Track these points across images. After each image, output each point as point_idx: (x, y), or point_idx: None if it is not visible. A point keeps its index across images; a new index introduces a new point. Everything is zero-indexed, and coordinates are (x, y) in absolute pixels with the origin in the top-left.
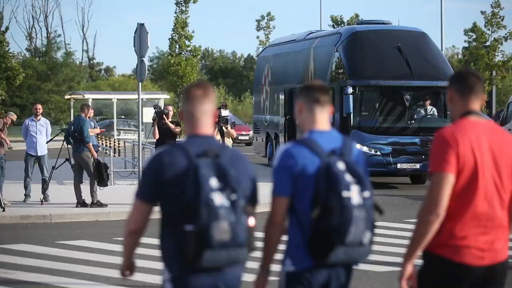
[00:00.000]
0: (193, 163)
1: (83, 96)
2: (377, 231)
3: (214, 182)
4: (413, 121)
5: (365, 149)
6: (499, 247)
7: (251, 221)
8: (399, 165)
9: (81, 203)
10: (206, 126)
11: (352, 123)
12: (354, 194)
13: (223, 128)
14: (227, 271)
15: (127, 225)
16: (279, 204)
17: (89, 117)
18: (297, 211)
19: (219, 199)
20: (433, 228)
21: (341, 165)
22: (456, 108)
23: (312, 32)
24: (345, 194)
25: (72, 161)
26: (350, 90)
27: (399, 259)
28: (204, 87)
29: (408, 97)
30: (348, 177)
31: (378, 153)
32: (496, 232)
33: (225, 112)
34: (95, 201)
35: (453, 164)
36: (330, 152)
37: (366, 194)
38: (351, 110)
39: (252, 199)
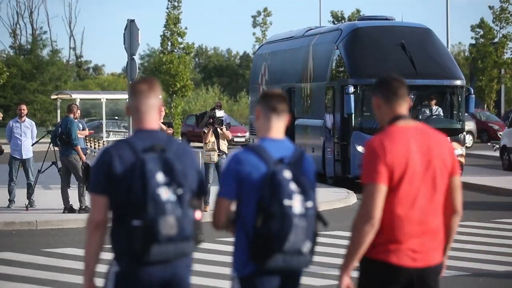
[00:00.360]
0: (140, 158)
1: (71, 96)
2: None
3: (160, 177)
4: (417, 122)
5: None
6: (432, 251)
7: (197, 214)
8: None
9: (68, 208)
10: (152, 121)
11: (353, 124)
12: (296, 203)
13: (218, 129)
14: (175, 263)
15: (90, 221)
16: (221, 205)
17: (77, 118)
18: (242, 216)
19: (165, 194)
20: (368, 238)
21: (287, 174)
22: (384, 114)
23: (311, 29)
24: (286, 202)
25: (59, 165)
26: (351, 89)
27: None
28: (150, 82)
29: (412, 97)
30: (292, 186)
31: None
32: (429, 236)
33: (219, 113)
34: (84, 207)
35: (383, 174)
36: (278, 160)
37: (309, 204)
38: (352, 111)
39: (199, 192)
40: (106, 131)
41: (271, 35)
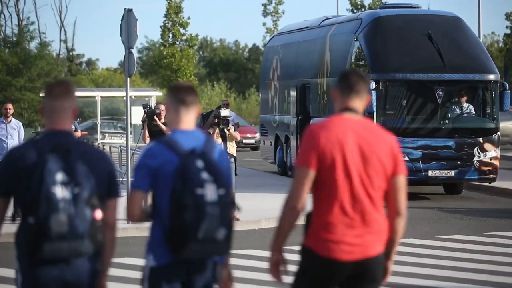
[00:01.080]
0: (42, 158)
1: None
2: (405, 249)
3: (59, 176)
4: (446, 121)
5: None
6: (369, 242)
7: (98, 214)
8: (430, 172)
9: None
10: (64, 122)
11: (375, 124)
12: (208, 192)
13: (225, 130)
14: (74, 263)
15: None
16: (135, 197)
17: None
18: (158, 208)
19: (61, 192)
20: (290, 220)
21: (199, 164)
22: (337, 106)
23: (328, 18)
24: (198, 191)
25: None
26: (372, 85)
27: (432, 283)
28: (64, 84)
29: (440, 93)
30: (204, 175)
31: (406, 158)
32: (366, 227)
33: (225, 112)
34: None
35: (313, 159)
36: (190, 151)
37: (221, 191)
38: (374, 109)
39: (110, 193)
40: (101, 132)
41: (283, 25)
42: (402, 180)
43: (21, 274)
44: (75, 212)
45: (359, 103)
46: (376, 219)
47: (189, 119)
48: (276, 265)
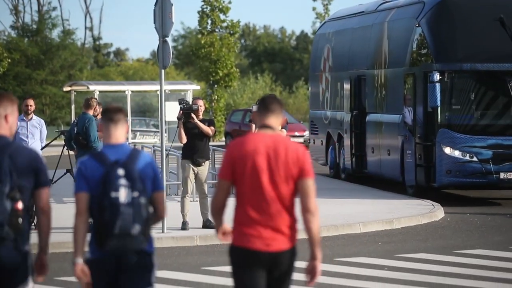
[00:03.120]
0: None
1: (87, 88)
2: (474, 261)
3: None
4: None
5: (456, 153)
6: (277, 238)
7: (19, 205)
8: (502, 175)
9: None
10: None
11: (439, 120)
12: (122, 194)
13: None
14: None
15: None
16: (79, 198)
17: (97, 116)
18: (91, 209)
19: None
20: (214, 216)
21: (120, 172)
22: (257, 124)
23: (386, 1)
24: (113, 194)
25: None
26: (436, 76)
27: None
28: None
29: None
30: (122, 181)
31: (475, 158)
32: (274, 225)
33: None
34: None
35: (228, 171)
36: (113, 162)
37: (135, 194)
38: (438, 103)
39: (38, 184)
40: (132, 130)
41: (336, 9)
42: (308, 182)
43: None
44: None
45: (274, 121)
46: (283, 217)
47: (118, 134)
48: (224, 231)
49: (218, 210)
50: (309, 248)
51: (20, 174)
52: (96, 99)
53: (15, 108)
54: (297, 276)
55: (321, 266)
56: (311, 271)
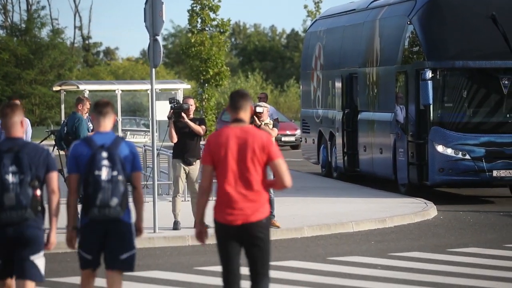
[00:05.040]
0: (1, 156)
1: (77, 87)
2: (467, 259)
3: (11, 168)
4: None
5: (449, 151)
6: (249, 212)
7: (38, 192)
8: (495, 172)
9: (77, 228)
10: (15, 132)
11: (432, 118)
12: (104, 173)
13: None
14: (22, 224)
15: None
16: (71, 179)
17: (86, 114)
18: (83, 185)
19: (11, 178)
20: (200, 200)
21: (104, 154)
22: (230, 118)
23: None
24: (97, 172)
25: (66, 173)
26: (428, 74)
27: None
28: (10, 105)
29: (506, 82)
30: (104, 162)
31: (467, 156)
32: (246, 201)
33: (259, 109)
34: None
35: (208, 158)
36: (100, 146)
37: (115, 173)
38: (431, 101)
39: (48, 169)
40: (122, 130)
41: (327, 7)
42: (278, 162)
43: None
44: (20, 191)
45: (243, 114)
46: (254, 194)
47: (105, 124)
48: (200, 233)
49: (204, 191)
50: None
51: (37, 167)
52: (85, 97)
53: (22, 112)
54: (295, 276)
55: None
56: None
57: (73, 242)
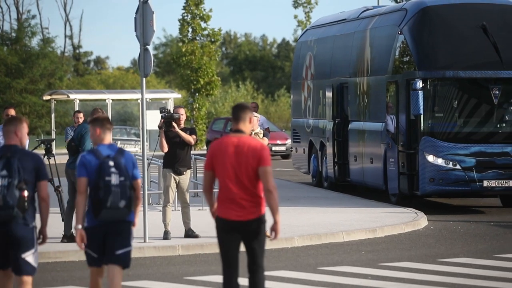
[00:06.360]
0: None
1: (68, 97)
2: (458, 270)
3: (3, 172)
4: (503, 124)
5: (440, 161)
6: (247, 210)
7: (25, 193)
8: (485, 183)
9: (68, 236)
10: (10, 140)
11: (422, 128)
12: (113, 179)
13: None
14: (11, 223)
15: None
16: (80, 181)
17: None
18: (89, 189)
19: (0, 181)
20: (208, 197)
21: (111, 163)
22: (232, 128)
23: (368, 9)
24: (107, 178)
25: (56, 182)
26: (419, 84)
27: None
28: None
29: (496, 92)
30: (112, 169)
31: (458, 166)
32: (242, 201)
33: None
34: None
35: (209, 164)
36: (106, 156)
37: (122, 178)
38: (421, 111)
39: (39, 178)
40: (112, 139)
41: (317, 17)
42: (265, 169)
43: None
44: (7, 193)
45: (243, 125)
46: (248, 195)
47: (107, 137)
48: (213, 214)
49: (206, 191)
50: (273, 216)
51: (25, 171)
52: (102, 110)
53: (24, 126)
54: (285, 286)
55: (280, 227)
56: (274, 230)
57: (84, 240)
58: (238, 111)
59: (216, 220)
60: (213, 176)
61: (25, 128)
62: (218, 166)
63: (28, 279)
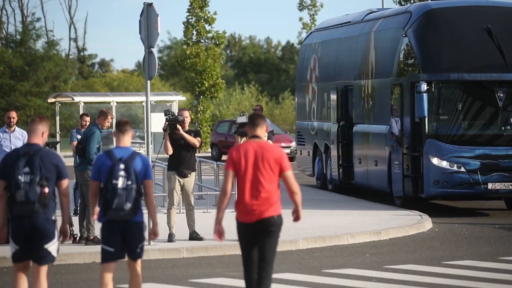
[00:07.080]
0: (18, 158)
1: (72, 99)
2: (462, 272)
3: (25, 169)
4: (508, 127)
5: (444, 164)
6: (262, 210)
7: (46, 190)
8: (490, 185)
9: (85, 238)
10: (33, 139)
11: (427, 130)
12: (120, 182)
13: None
14: (33, 217)
15: None
16: (93, 184)
17: (84, 126)
18: (101, 189)
19: (23, 178)
20: (222, 202)
21: (121, 166)
22: (249, 134)
23: (373, 12)
24: (114, 181)
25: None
26: (424, 87)
27: None
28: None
29: (501, 95)
30: (121, 173)
31: (462, 169)
32: (261, 202)
33: (242, 119)
34: (92, 237)
35: (230, 165)
36: (119, 159)
37: (129, 182)
38: (426, 114)
39: (59, 177)
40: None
41: (322, 20)
42: (288, 174)
43: (9, 225)
44: (29, 189)
45: (259, 131)
46: (267, 197)
47: (125, 140)
48: (219, 232)
49: (224, 193)
50: (295, 209)
51: (46, 169)
52: (110, 112)
53: (49, 126)
54: (292, 275)
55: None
56: (297, 216)
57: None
58: (256, 119)
59: (237, 224)
60: (233, 177)
61: (48, 130)
62: (240, 170)
63: (46, 267)
